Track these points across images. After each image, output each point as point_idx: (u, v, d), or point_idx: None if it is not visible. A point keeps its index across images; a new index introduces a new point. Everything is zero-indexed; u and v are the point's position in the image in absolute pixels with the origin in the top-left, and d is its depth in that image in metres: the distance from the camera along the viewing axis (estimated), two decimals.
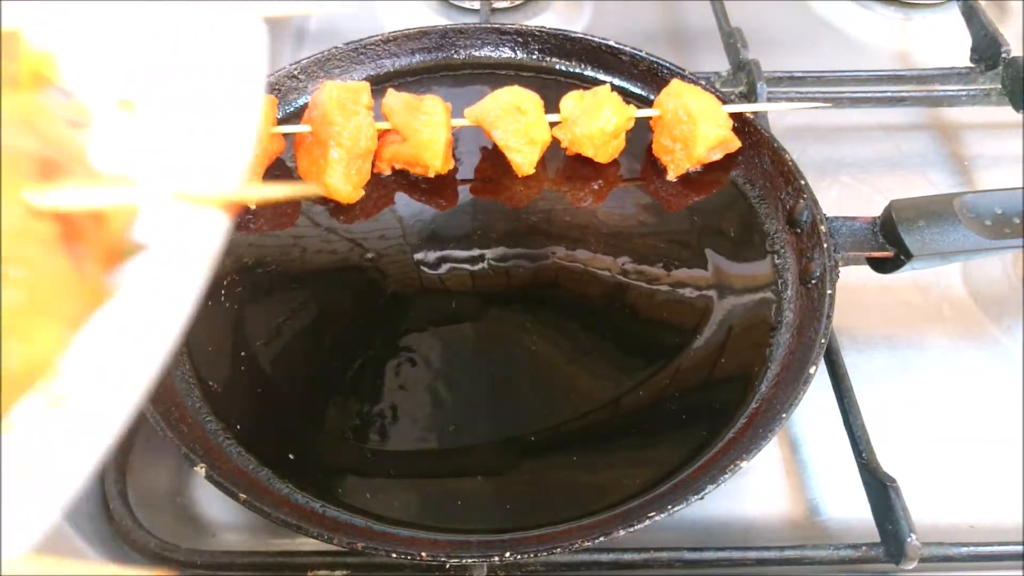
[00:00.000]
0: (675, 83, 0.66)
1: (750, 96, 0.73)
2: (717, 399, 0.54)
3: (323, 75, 0.71)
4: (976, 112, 0.77)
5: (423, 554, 0.45)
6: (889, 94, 0.75)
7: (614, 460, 0.51)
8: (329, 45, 0.71)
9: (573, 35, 0.73)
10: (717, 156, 0.65)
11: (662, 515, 0.45)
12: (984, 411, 0.58)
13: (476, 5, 0.89)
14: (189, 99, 0.31)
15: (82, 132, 0.31)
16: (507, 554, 0.45)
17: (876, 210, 0.58)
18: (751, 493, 0.55)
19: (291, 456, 0.51)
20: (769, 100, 0.71)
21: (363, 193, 0.64)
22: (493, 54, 0.75)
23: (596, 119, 0.63)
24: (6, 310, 0.24)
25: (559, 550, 0.45)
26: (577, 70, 0.74)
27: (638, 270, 0.61)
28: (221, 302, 0.58)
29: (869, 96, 0.75)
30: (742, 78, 0.74)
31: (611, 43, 0.72)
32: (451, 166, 0.66)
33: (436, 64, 0.75)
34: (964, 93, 0.75)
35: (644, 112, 0.66)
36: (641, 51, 0.71)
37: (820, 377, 0.53)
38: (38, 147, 0.28)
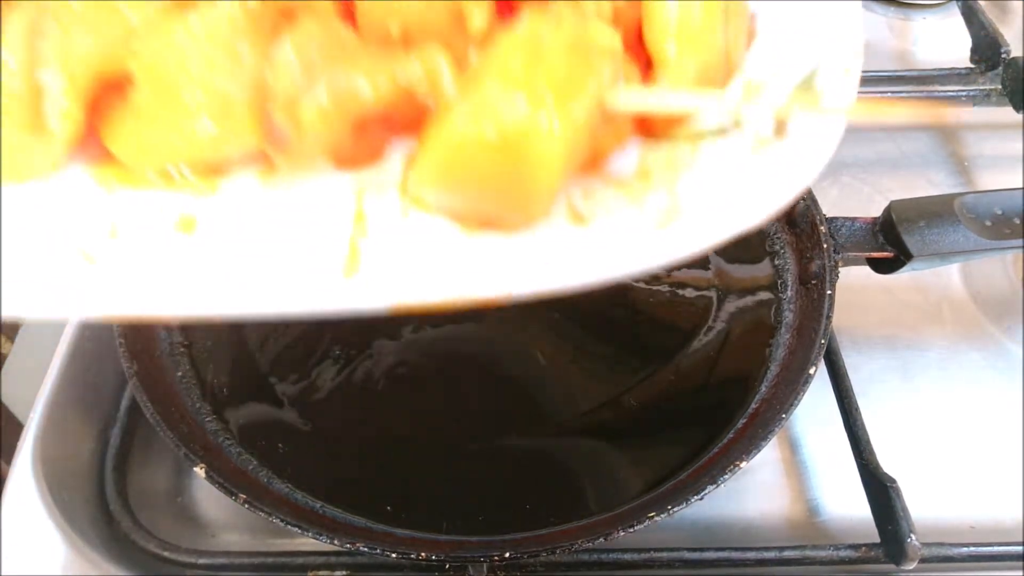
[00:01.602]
0: None
1: None
2: (717, 399, 0.54)
3: None
4: (976, 112, 0.77)
5: (423, 554, 0.45)
6: (889, 94, 0.75)
7: (614, 460, 0.51)
8: None
9: None
10: None
11: (662, 515, 0.45)
12: (984, 411, 0.58)
13: None
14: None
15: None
16: (507, 554, 0.45)
17: (876, 210, 0.58)
18: (751, 493, 0.55)
19: (291, 456, 0.51)
20: None
21: None
22: None
23: None
24: None
25: (559, 550, 0.45)
26: None
27: None
28: None
29: (869, 96, 0.75)
30: None
31: None
32: None
33: None
34: (964, 93, 0.75)
35: None
36: None
37: (820, 377, 0.53)
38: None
